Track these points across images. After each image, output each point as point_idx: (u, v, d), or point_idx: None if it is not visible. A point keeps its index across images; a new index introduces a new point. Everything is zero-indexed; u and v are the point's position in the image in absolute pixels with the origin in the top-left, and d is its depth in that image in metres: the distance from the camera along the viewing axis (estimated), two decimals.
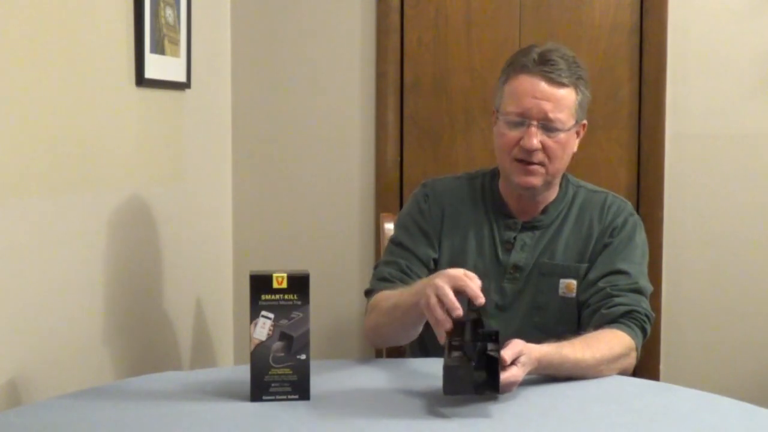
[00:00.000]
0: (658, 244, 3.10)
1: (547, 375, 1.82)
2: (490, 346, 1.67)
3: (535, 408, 1.69)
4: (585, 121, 2.12)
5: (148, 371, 2.14)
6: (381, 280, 2.12)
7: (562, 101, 2.03)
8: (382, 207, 3.11)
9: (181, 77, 2.74)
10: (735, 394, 1.83)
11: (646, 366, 3.06)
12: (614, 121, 3.12)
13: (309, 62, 3.21)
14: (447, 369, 1.62)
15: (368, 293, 2.13)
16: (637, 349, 1.98)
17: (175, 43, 2.68)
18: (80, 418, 1.64)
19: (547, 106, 2.01)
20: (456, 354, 1.63)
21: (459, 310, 1.69)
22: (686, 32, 3.06)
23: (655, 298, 3.05)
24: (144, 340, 2.57)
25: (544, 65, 2.02)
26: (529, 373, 1.75)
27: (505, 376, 1.66)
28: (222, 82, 3.19)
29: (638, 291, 2.04)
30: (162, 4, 2.57)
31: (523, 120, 2.02)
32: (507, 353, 1.68)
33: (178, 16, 2.69)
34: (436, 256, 2.14)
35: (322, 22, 3.20)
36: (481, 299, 1.71)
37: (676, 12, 3.06)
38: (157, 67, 2.54)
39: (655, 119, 3.09)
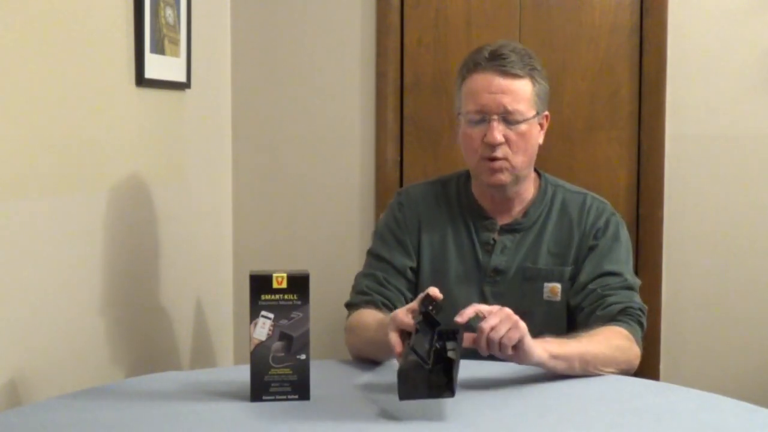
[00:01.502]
0: (658, 244, 3.10)
1: (560, 372, 1.82)
2: (449, 345, 1.67)
3: (535, 408, 1.70)
4: (547, 113, 2.13)
5: (148, 371, 2.14)
6: (359, 293, 2.13)
7: (519, 92, 2.04)
8: (382, 207, 3.11)
9: (181, 77, 2.74)
10: (735, 394, 1.83)
11: (646, 366, 3.05)
12: (614, 121, 3.12)
13: (309, 62, 3.21)
14: (400, 373, 1.61)
15: (349, 306, 2.14)
16: (638, 343, 2.00)
17: (175, 43, 2.68)
18: (80, 418, 1.64)
19: (505, 99, 2.02)
20: (411, 358, 1.62)
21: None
22: (686, 32, 3.06)
23: (655, 297, 3.06)
24: (144, 340, 2.57)
25: (495, 60, 2.04)
26: (541, 365, 1.77)
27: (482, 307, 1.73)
28: (222, 82, 3.19)
29: (629, 287, 2.06)
30: (162, 4, 2.57)
31: (483, 116, 2.04)
32: (463, 313, 1.72)
33: (178, 16, 2.69)
34: (413, 264, 2.15)
35: (322, 22, 3.20)
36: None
37: (676, 12, 3.06)
38: (157, 67, 2.54)
39: (655, 119, 3.09)
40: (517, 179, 2.09)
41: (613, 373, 1.89)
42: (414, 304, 1.77)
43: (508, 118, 2.03)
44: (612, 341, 1.92)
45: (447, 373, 1.62)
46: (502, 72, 2.03)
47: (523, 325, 1.73)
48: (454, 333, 1.69)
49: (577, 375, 1.84)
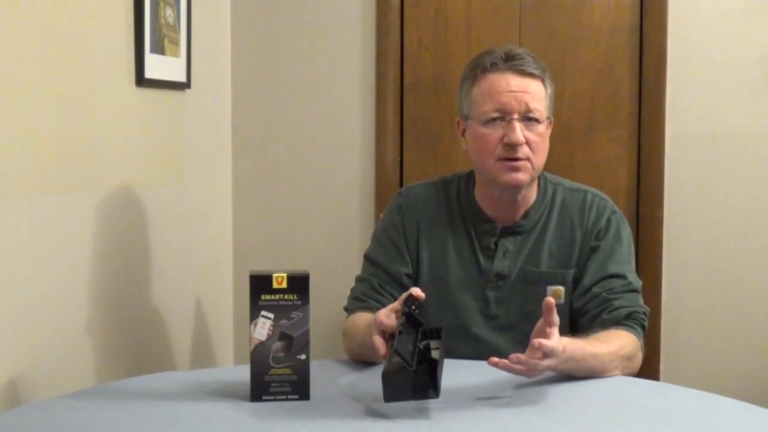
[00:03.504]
0: (658, 244, 3.10)
1: (566, 373, 1.82)
2: (433, 344, 1.66)
3: (535, 408, 1.70)
4: (552, 118, 2.10)
5: (148, 371, 2.14)
6: (355, 299, 2.13)
7: (537, 92, 2.02)
8: (382, 207, 3.11)
9: (181, 77, 2.74)
10: (735, 394, 1.83)
11: (646, 366, 3.04)
12: (614, 121, 3.12)
13: (309, 62, 3.21)
14: (384, 376, 1.60)
15: (346, 311, 2.14)
16: (642, 348, 2.01)
17: (175, 43, 2.68)
18: (80, 418, 1.64)
19: (526, 97, 2.00)
20: (395, 360, 1.61)
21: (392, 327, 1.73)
22: (686, 32, 3.06)
23: (655, 298, 3.06)
24: (144, 340, 2.57)
25: (512, 60, 2.01)
26: (552, 369, 1.76)
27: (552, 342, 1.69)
28: (222, 82, 3.19)
29: (633, 290, 2.05)
30: (162, 4, 2.57)
31: (503, 116, 2.00)
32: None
33: (178, 16, 2.69)
34: (409, 271, 2.12)
35: (322, 22, 3.20)
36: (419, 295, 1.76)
37: (676, 12, 3.06)
38: (157, 67, 2.54)
39: (655, 119, 3.09)
40: (532, 181, 2.06)
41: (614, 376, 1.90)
42: (396, 305, 1.76)
43: (529, 117, 2.00)
44: (623, 350, 1.92)
45: (431, 373, 1.61)
46: (520, 72, 2.01)
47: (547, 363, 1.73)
48: (437, 332, 1.69)
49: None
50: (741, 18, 3.03)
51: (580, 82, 3.11)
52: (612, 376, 1.88)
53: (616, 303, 2.01)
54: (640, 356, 1.99)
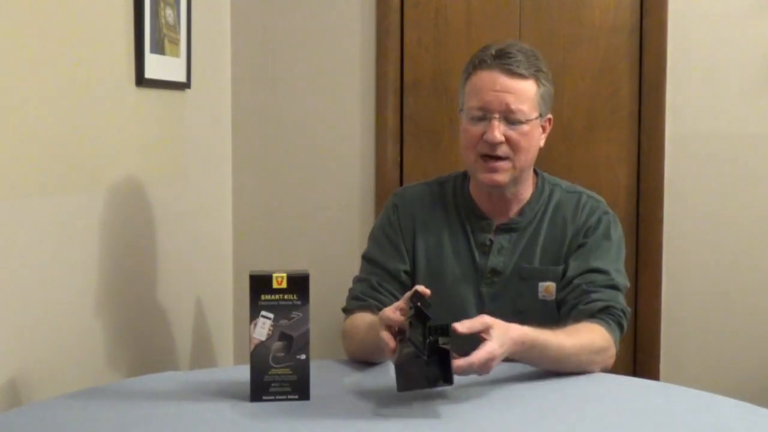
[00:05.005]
0: (658, 244, 3.09)
1: (529, 363, 1.82)
2: (441, 339, 1.67)
3: (533, 408, 1.70)
4: (550, 116, 2.11)
5: (148, 371, 2.14)
6: (354, 298, 2.13)
7: (523, 93, 2.02)
8: (382, 207, 3.10)
9: (181, 77, 2.74)
10: (735, 394, 1.83)
11: (647, 366, 3.06)
12: (614, 121, 3.12)
13: (309, 62, 3.21)
14: (398, 366, 1.62)
15: (344, 311, 2.14)
16: (615, 344, 1.98)
17: (175, 43, 2.68)
18: (80, 418, 1.64)
19: (509, 98, 2.01)
20: (407, 350, 1.63)
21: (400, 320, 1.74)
22: (686, 33, 3.06)
23: (655, 297, 3.06)
24: (144, 340, 2.57)
25: (501, 58, 2.03)
26: (511, 358, 1.76)
27: (480, 353, 1.67)
28: (222, 82, 3.19)
29: (614, 287, 2.04)
30: (162, 4, 2.57)
31: (485, 114, 2.02)
32: (462, 325, 1.69)
33: (178, 16, 2.69)
34: (407, 268, 2.13)
35: (322, 22, 3.20)
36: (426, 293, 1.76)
37: (676, 12, 3.06)
38: (157, 67, 2.54)
39: (655, 119, 3.09)
40: (516, 180, 2.07)
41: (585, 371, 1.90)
42: (401, 303, 1.77)
43: (510, 118, 2.01)
44: (592, 345, 1.91)
45: (443, 363, 1.62)
46: (508, 71, 2.02)
47: (496, 363, 1.72)
48: (445, 328, 1.69)
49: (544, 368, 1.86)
50: (741, 18, 3.03)
51: (580, 82, 3.12)
52: (584, 371, 1.88)
53: (594, 296, 2.01)
54: (612, 352, 1.96)
